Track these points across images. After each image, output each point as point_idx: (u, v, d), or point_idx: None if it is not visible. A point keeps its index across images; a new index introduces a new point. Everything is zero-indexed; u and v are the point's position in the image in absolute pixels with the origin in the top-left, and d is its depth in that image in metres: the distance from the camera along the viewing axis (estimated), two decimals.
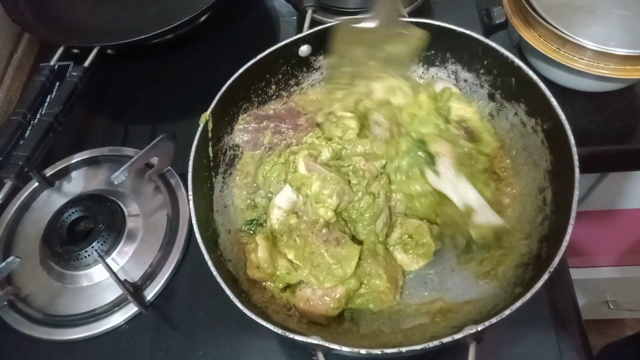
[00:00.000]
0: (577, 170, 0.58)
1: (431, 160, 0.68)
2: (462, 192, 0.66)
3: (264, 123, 0.78)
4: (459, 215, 0.66)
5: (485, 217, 0.65)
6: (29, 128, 0.79)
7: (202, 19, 0.99)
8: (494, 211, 0.65)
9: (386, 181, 0.70)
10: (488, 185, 0.69)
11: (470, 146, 0.71)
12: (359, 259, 0.65)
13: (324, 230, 0.65)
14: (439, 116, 0.72)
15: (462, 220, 0.66)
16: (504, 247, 0.66)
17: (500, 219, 0.65)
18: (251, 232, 0.72)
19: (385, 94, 0.73)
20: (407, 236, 0.69)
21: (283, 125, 0.78)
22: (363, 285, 0.65)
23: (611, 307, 1.57)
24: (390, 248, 0.69)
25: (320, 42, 0.77)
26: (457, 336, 0.51)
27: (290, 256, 0.66)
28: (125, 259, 0.78)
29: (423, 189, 0.69)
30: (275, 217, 0.69)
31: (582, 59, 0.79)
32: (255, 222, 0.73)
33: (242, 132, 0.78)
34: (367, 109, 0.73)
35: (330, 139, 0.74)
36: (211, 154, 0.73)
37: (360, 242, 0.68)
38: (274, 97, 0.80)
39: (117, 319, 0.74)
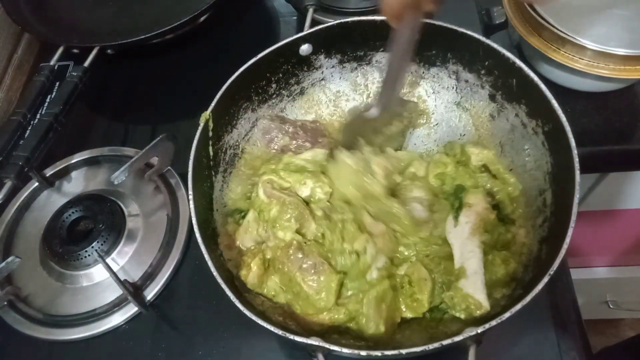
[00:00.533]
0: (577, 173, 0.58)
1: (459, 208, 0.67)
2: (466, 253, 0.63)
3: (286, 126, 0.79)
4: (450, 271, 0.64)
5: (472, 289, 0.61)
6: (29, 128, 0.79)
7: (202, 19, 0.98)
8: (485, 289, 0.61)
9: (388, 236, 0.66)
10: (507, 264, 0.64)
11: (501, 186, 0.69)
12: (361, 297, 0.61)
13: (299, 255, 0.63)
14: (464, 166, 0.72)
15: (449, 277, 0.64)
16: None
17: (486, 301, 0.60)
18: (234, 219, 0.72)
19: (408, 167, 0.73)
20: (407, 280, 0.64)
21: (302, 134, 0.78)
22: (354, 323, 0.62)
23: (611, 307, 1.57)
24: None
25: (321, 41, 0.77)
26: (457, 338, 0.51)
27: (277, 280, 0.64)
28: (125, 259, 0.78)
29: (442, 249, 0.66)
30: (247, 222, 0.70)
31: (582, 59, 0.79)
32: (240, 213, 0.73)
33: (263, 126, 0.78)
34: (397, 184, 0.71)
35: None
36: (211, 153, 0.73)
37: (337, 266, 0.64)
38: (274, 95, 0.80)
39: (117, 319, 0.74)
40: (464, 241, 0.64)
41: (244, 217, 0.72)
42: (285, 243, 0.65)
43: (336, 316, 0.61)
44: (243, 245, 0.70)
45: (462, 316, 0.61)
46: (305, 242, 0.64)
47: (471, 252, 0.63)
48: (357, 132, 0.73)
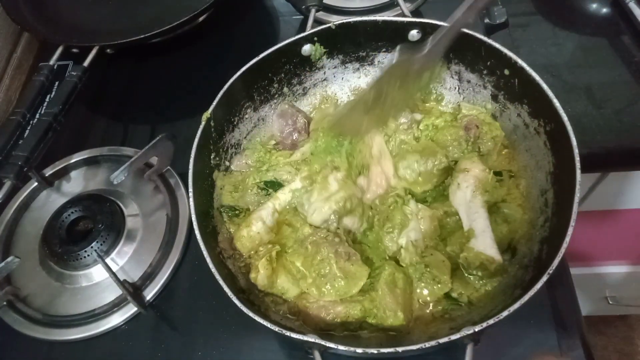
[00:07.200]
0: (578, 173, 0.58)
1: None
2: (472, 215, 0.66)
3: (300, 117, 0.79)
4: (461, 237, 0.66)
5: (483, 246, 0.63)
6: (28, 128, 0.79)
7: (202, 18, 0.99)
8: (495, 244, 0.64)
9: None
10: (508, 222, 0.67)
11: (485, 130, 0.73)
12: (373, 288, 0.63)
13: (337, 239, 0.65)
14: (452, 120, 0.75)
15: (461, 241, 0.66)
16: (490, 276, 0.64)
17: (497, 254, 0.63)
18: (228, 215, 0.73)
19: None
20: (426, 268, 0.65)
21: (305, 130, 0.79)
22: (372, 317, 0.63)
23: (610, 302, 1.57)
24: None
25: (323, 41, 0.77)
26: (454, 337, 0.51)
27: (298, 264, 0.66)
28: (124, 259, 0.78)
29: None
30: (256, 230, 0.69)
31: None
32: (234, 211, 0.74)
33: (281, 109, 0.79)
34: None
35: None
36: (212, 152, 0.73)
37: (372, 265, 0.66)
38: (276, 95, 0.80)
39: (116, 319, 0.74)
40: (468, 204, 0.67)
41: (237, 215, 0.73)
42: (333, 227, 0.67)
43: (351, 311, 0.63)
44: (240, 250, 0.70)
45: (479, 273, 0.64)
46: (338, 229, 0.67)
47: (476, 212, 0.66)
48: (397, 76, 0.67)
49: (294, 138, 0.78)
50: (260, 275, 0.65)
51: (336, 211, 0.68)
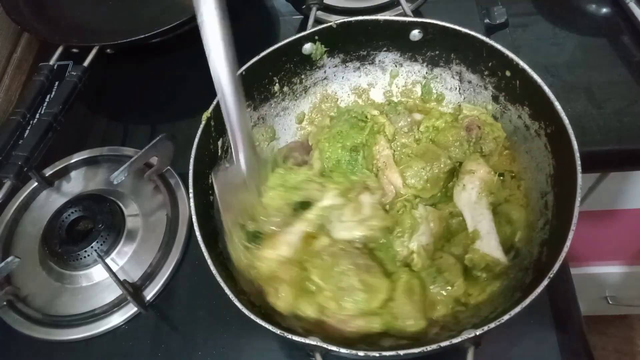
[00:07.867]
0: (579, 175, 0.58)
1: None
2: (477, 216, 0.66)
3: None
4: (465, 238, 0.66)
5: (488, 248, 0.64)
6: (28, 128, 0.79)
7: None
8: (500, 246, 0.64)
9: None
10: (511, 224, 0.67)
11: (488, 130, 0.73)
12: (391, 298, 0.61)
13: (355, 251, 0.63)
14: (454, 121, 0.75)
15: (465, 242, 0.66)
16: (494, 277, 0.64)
17: (502, 256, 0.63)
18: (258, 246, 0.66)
19: None
20: (438, 272, 0.64)
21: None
22: (392, 330, 0.60)
23: (610, 302, 1.57)
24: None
25: (324, 40, 0.77)
26: (455, 340, 0.51)
27: (314, 277, 0.62)
28: (124, 259, 0.78)
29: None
30: (284, 253, 0.64)
31: None
32: (258, 236, 0.66)
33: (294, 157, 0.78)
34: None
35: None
36: (213, 152, 0.73)
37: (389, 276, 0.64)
38: (276, 94, 0.80)
39: (116, 319, 0.74)
40: (473, 205, 0.67)
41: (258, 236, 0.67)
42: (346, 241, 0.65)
43: (371, 324, 0.60)
44: (259, 269, 0.65)
45: (484, 275, 0.64)
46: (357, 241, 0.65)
47: (481, 214, 0.66)
48: (239, 205, 0.63)
49: (305, 158, 0.78)
50: (281, 301, 0.61)
51: (365, 237, 0.66)
